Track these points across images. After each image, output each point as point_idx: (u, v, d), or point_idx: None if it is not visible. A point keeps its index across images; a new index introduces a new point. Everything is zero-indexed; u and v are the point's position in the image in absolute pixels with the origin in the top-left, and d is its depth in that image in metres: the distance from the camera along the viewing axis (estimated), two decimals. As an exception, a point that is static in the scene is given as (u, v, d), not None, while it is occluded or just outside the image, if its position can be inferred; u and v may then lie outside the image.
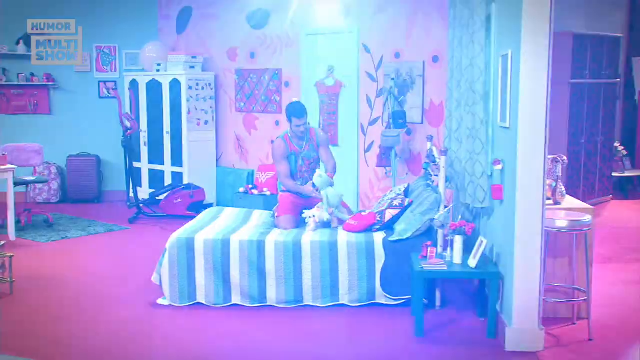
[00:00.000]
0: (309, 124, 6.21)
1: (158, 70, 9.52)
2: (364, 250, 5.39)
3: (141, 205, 8.84)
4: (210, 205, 9.05)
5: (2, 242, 5.81)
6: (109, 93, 10.27)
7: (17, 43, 9.90)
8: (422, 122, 7.40)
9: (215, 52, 9.49)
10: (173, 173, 9.42)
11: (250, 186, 8.81)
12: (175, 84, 9.22)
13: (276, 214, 6.11)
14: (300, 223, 5.99)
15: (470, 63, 5.30)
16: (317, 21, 8.27)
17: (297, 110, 6.04)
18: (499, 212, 4.94)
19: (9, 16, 9.68)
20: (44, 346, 4.62)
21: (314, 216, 5.76)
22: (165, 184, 9.47)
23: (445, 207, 5.28)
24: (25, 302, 5.50)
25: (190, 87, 9.13)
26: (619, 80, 9.85)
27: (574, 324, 4.95)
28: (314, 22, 8.30)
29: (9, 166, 7.49)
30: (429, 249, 4.93)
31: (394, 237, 5.37)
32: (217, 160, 9.61)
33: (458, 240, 4.90)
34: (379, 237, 5.46)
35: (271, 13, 8.74)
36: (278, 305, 5.43)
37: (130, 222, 8.57)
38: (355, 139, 7.96)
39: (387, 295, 5.39)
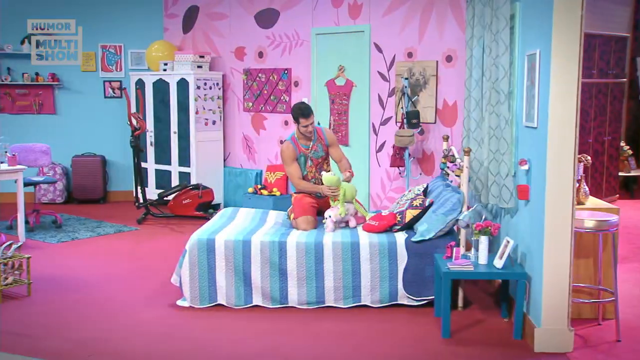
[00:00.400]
0: (318, 123, 6.15)
1: (165, 70, 9.45)
2: (386, 251, 5.36)
3: (149, 205, 8.76)
4: (218, 205, 9.00)
5: (19, 243, 5.74)
6: (114, 93, 10.20)
7: (22, 42, 9.81)
8: (435, 122, 7.37)
9: (222, 52, 9.44)
10: (180, 173, 9.35)
11: (259, 186, 8.76)
12: (182, 84, 9.15)
13: (292, 216, 6.06)
14: (319, 223, 5.94)
15: (493, 62, 5.28)
16: (328, 20, 8.21)
17: (304, 111, 6.00)
18: (523, 212, 4.92)
19: (13, 15, 9.60)
20: (70, 349, 4.57)
21: (330, 217, 5.72)
22: (172, 184, 9.41)
23: (469, 207, 5.25)
24: (44, 304, 5.44)
25: (198, 87, 9.08)
26: (625, 80, 9.86)
27: (600, 324, 4.93)
28: (325, 21, 8.24)
29: (18, 167, 7.39)
30: (454, 249, 4.90)
31: (417, 238, 5.33)
32: (224, 161, 9.55)
33: (484, 241, 4.88)
34: (401, 237, 5.43)
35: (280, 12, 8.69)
36: (299, 307, 5.40)
37: (139, 223, 8.51)
38: (367, 139, 7.93)
39: (410, 296, 5.36)
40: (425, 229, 5.35)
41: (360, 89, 8.02)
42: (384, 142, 7.87)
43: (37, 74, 9.94)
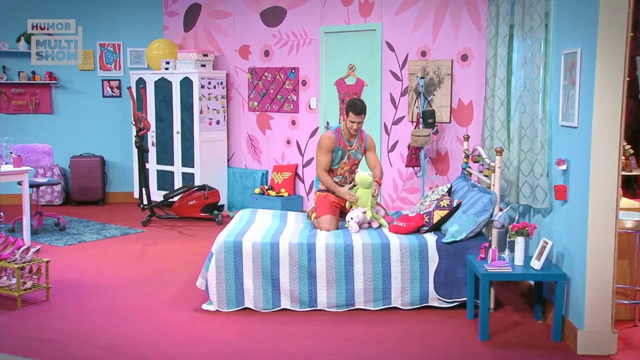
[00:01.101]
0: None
1: (167, 69, 9.30)
2: (417, 253, 5.30)
3: (153, 207, 8.61)
4: (222, 207, 8.87)
5: (37, 247, 5.57)
6: (112, 92, 10.02)
7: (18, 40, 9.61)
8: (450, 122, 7.32)
9: (226, 50, 9.32)
10: (183, 174, 9.21)
11: (266, 187, 8.65)
12: (186, 83, 9.01)
13: (313, 215, 5.98)
14: (341, 223, 5.87)
15: (526, 61, 5.23)
16: (337, 19, 8.12)
17: (357, 107, 5.90)
18: (559, 212, 4.88)
19: (9, 13, 9.38)
20: (100, 355, 4.43)
21: (352, 219, 5.64)
22: (175, 186, 9.27)
23: (500, 208, 5.20)
24: (65, 309, 5.30)
25: (202, 86, 8.95)
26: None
27: (636, 325, 4.91)
28: (334, 20, 8.15)
29: (24, 168, 7.20)
30: (490, 250, 4.85)
31: (448, 239, 5.27)
32: (228, 161, 9.42)
33: (520, 242, 4.83)
34: (431, 238, 5.37)
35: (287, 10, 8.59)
36: (328, 309, 5.32)
37: (144, 225, 8.35)
38: (378, 139, 7.85)
39: (441, 298, 5.30)
40: (456, 230, 5.29)
41: (371, 88, 7.95)
42: (396, 142, 7.80)
43: (33, 72, 9.74)
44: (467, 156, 6.46)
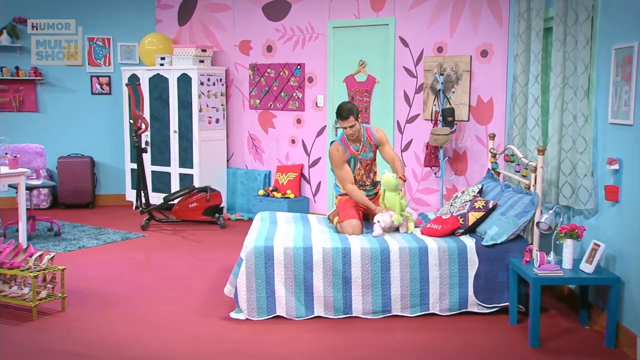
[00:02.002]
0: (359, 123, 5.92)
1: (162, 65, 9.10)
2: (455, 256, 5.22)
3: (152, 210, 8.42)
4: (222, 209, 8.70)
5: (52, 254, 5.36)
6: (102, 89, 9.79)
7: (0, 33, 9.30)
8: (468, 120, 7.27)
9: (225, 45, 9.15)
10: (181, 175, 9.02)
11: (271, 188, 8.51)
12: (184, 79, 8.82)
13: (336, 220, 5.88)
14: (367, 227, 5.77)
15: (567, 56, 5.18)
16: (347, 13, 8.02)
17: (340, 111, 5.79)
18: (610, 213, 4.84)
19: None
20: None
21: (378, 222, 5.54)
22: (171, 187, 9.08)
23: (549, 209, 5.15)
24: (84, 320, 5.11)
25: (201, 83, 8.76)
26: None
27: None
28: (343, 14, 8.04)
29: (20, 170, 6.97)
30: (538, 253, 4.78)
31: (488, 242, 5.20)
32: (227, 161, 9.25)
33: (570, 245, 4.78)
34: (470, 242, 5.30)
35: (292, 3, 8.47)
36: (364, 316, 5.22)
37: (143, 229, 8.15)
38: (392, 138, 7.77)
39: (481, 304, 5.24)
40: (496, 233, 5.22)
41: (383, 85, 7.86)
42: (410, 141, 7.73)
43: (17, 68, 9.47)
44: (494, 155, 6.41)
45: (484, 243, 5.24)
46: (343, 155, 5.87)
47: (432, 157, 7.21)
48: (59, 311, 5.27)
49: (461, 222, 5.51)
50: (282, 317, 5.18)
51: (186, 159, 8.94)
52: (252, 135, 9.04)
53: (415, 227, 5.74)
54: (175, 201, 8.45)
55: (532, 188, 5.34)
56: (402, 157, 7.77)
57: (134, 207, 8.71)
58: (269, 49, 8.76)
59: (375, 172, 6.10)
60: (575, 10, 5.07)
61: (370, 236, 5.48)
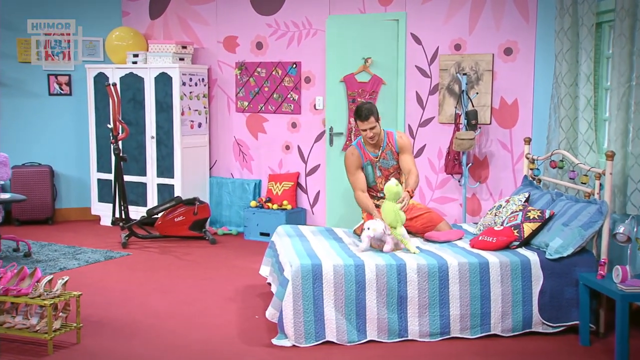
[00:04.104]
0: (380, 125, 5.86)
1: (135, 62, 8.77)
2: (519, 271, 5.17)
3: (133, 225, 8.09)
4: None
5: (66, 278, 5.02)
6: (61, 89, 9.37)
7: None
8: (490, 123, 7.26)
9: (206, 41, 8.90)
10: (159, 185, 8.69)
11: (264, 199, 8.30)
12: (162, 79, 8.52)
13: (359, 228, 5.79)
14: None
15: (634, 54, 5.19)
16: (350, 7, 7.90)
17: (358, 111, 5.77)
18: (689, 223, 4.86)
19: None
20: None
21: (368, 228, 5.38)
22: (148, 199, 8.76)
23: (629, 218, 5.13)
24: (108, 354, 4.80)
25: (183, 83, 8.48)
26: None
27: None
28: (346, 8, 7.92)
29: (-6, 181, 6.55)
30: (621, 268, 4.76)
31: (554, 255, 5.16)
32: (210, 169, 8.99)
33: (652, 257, 4.78)
34: (533, 255, 5.25)
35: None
36: (421, 339, 5.10)
37: (124, 247, 7.80)
38: (403, 143, 7.67)
39: (546, 323, 5.19)
40: (561, 245, 5.19)
41: (391, 86, 7.78)
42: (424, 146, 7.67)
43: (-39, 65, 8.95)
44: (532, 161, 6.40)
45: (548, 256, 5.19)
46: (357, 161, 5.84)
47: (455, 163, 7.16)
48: (74, 343, 4.95)
49: (516, 233, 5.45)
50: (332, 342, 5.00)
51: (165, 168, 8.63)
52: (239, 140, 8.81)
53: (456, 240, 5.68)
54: (159, 215, 8.12)
55: (596, 196, 5.32)
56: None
57: (110, 223, 8.33)
58: (259, 45, 8.55)
59: (402, 183, 6.01)
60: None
61: (427, 251, 5.36)
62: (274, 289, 5.55)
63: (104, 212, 9.07)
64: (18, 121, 9.21)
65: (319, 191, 8.30)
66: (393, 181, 5.47)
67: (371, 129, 5.76)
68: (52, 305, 4.82)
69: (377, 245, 5.43)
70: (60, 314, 4.98)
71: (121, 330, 5.25)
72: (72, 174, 9.42)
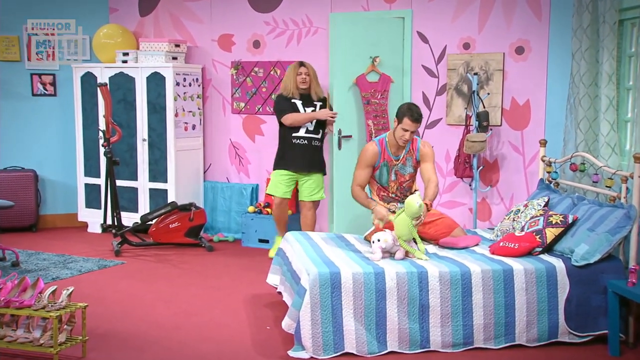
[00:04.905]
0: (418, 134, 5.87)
1: (125, 61, 8.65)
2: (544, 278, 5.14)
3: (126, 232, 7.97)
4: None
5: (71, 289, 4.91)
6: (45, 89, 9.22)
7: None
8: (500, 125, 7.24)
9: (200, 40, 8.80)
10: (151, 190, 8.58)
11: (263, 204, 8.21)
12: (155, 79, 8.41)
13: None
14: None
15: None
16: (353, 4, 7.85)
17: (413, 112, 5.77)
18: None
19: None
20: None
21: (378, 240, 5.36)
22: (139, 205, 8.65)
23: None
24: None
25: (177, 83, 8.38)
26: None
27: None
28: (348, 5, 7.87)
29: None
30: (651, 273, 4.75)
31: (580, 262, 5.14)
32: (204, 173, 8.89)
33: (686, 263, 4.77)
34: (557, 261, 5.22)
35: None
36: (443, 350, 5.06)
37: (117, 255, 7.68)
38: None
39: (573, 332, 5.16)
40: (587, 252, 5.16)
41: (395, 86, 7.74)
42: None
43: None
44: (549, 164, 6.39)
45: (574, 263, 5.17)
46: (372, 158, 5.88)
47: (465, 166, 7.13)
48: (79, 358, 4.84)
49: (538, 239, 5.43)
50: (352, 354, 4.93)
51: (158, 172, 8.52)
52: (235, 143, 8.72)
53: (473, 245, 5.66)
54: (153, 221, 8.01)
55: (623, 200, 5.30)
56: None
57: (100, 229, 8.20)
58: (256, 44, 8.48)
59: (415, 192, 6.01)
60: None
61: (447, 258, 5.32)
62: (286, 298, 5.48)
63: (92, 218, 8.94)
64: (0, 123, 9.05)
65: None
66: (417, 200, 5.34)
67: (412, 133, 5.79)
68: (57, 318, 4.70)
69: (387, 255, 5.38)
70: (65, 326, 4.86)
71: (128, 343, 5.14)
72: (57, 179, 9.27)
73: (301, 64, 7.40)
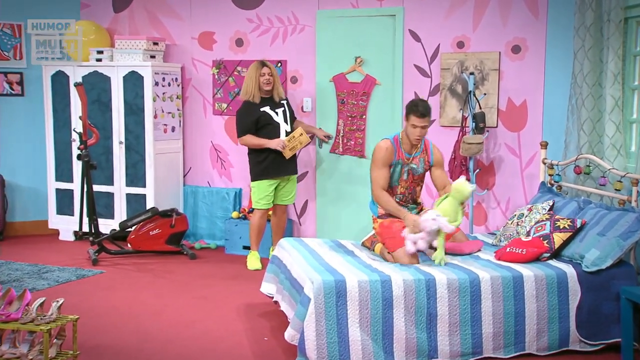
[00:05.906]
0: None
1: (99, 60, 8.54)
2: (555, 285, 5.16)
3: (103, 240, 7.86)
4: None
5: (61, 301, 4.81)
6: (11, 89, 9.06)
7: None
8: (496, 126, 7.28)
9: (178, 38, 8.72)
10: (128, 195, 8.47)
11: (247, 210, 8.16)
12: (132, 79, 8.32)
13: (378, 246, 5.73)
14: (421, 255, 5.63)
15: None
16: (341, 1, 7.84)
17: (419, 108, 5.70)
18: None
19: None
20: None
21: (437, 216, 5.34)
22: (115, 211, 8.53)
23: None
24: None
25: (156, 83, 8.29)
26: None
27: None
28: (337, 2, 7.86)
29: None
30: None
31: (592, 268, 5.17)
32: (184, 177, 8.80)
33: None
34: (568, 267, 5.25)
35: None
36: (452, 361, 5.03)
37: (94, 264, 7.57)
38: (401, 148, 7.64)
39: (584, 340, 5.19)
40: (598, 257, 5.19)
41: (386, 86, 7.74)
42: (424, 152, 7.62)
43: None
44: (551, 167, 6.43)
45: (585, 269, 5.20)
46: (389, 157, 5.78)
47: (462, 169, 7.14)
48: (71, 373, 4.73)
49: (546, 244, 5.45)
50: (357, 365, 4.90)
51: (135, 176, 8.41)
52: (217, 146, 8.65)
53: (477, 251, 5.68)
54: (132, 228, 7.91)
55: (633, 204, 5.35)
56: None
57: (75, 237, 8.08)
58: (239, 42, 8.42)
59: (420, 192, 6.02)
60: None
61: (453, 265, 5.32)
62: (285, 307, 5.43)
63: (64, 225, 8.82)
64: (-36, 125, 8.90)
65: (306, 200, 8.20)
66: (467, 183, 5.36)
67: (423, 127, 5.71)
68: (52, 331, 4.61)
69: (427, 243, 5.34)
70: (55, 340, 4.76)
71: (121, 357, 5.06)
72: (25, 184, 9.11)
73: (263, 64, 7.33)
